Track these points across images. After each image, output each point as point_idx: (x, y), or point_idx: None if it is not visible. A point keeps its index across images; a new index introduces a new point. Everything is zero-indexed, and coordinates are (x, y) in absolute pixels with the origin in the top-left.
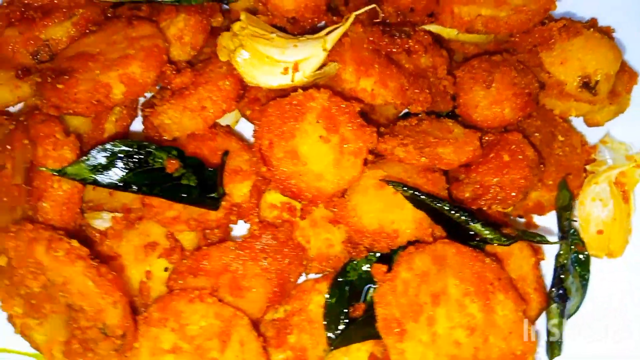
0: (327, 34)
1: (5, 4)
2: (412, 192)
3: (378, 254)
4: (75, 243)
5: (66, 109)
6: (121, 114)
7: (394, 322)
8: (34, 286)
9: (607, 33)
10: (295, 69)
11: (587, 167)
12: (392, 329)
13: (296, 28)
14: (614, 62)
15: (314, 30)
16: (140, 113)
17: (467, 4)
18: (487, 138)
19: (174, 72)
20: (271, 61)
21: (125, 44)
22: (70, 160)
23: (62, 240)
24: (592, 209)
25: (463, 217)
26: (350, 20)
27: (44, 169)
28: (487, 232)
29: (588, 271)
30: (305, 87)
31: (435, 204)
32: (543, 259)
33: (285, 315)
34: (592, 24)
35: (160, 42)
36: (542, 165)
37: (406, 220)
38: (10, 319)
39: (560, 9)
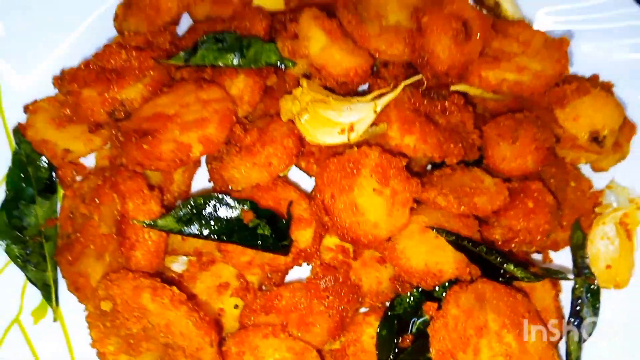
0: (376, 97)
1: (82, 67)
2: (454, 237)
3: (420, 289)
4: (175, 290)
5: (150, 166)
6: (189, 166)
7: (447, 353)
8: (135, 328)
9: (608, 88)
10: (351, 129)
11: (596, 209)
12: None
13: (343, 88)
14: (618, 118)
15: (357, 91)
16: (207, 166)
17: (493, 69)
18: (511, 185)
19: (243, 131)
20: (330, 123)
21: (199, 107)
22: (157, 213)
23: (165, 287)
24: (601, 246)
25: (499, 259)
26: (400, 88)
27: (136, 221)
28: (519, 271)
29: (599, 300)
30: (358, 144)
31: (474, 248)
32: (561, 292)
33: (342, 345)
34: (594, 79)
35: (230, 105)
36: (559, 210)
37: (448, 261)
38: (102, 355)
39: None
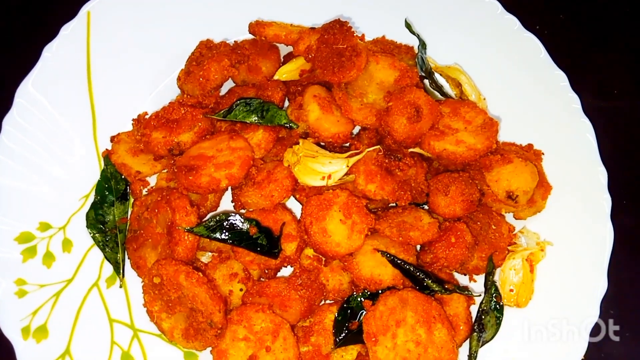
0: (350, 155)
1: (153, 116)
2: (392, 258)
3: (368, 292)
4: (201, 275)
5: (193, 191)
6: (219, 192)
7: (372, 335)
8: (173, 296)
9: (537, 155)
10: (329, 177)
11: (509, 247)
12: (370, 339)
13: (330, 145)
14: (531, 183)
15: (342, 147)
16: (231, 192)
17: (438, 141)
18: (443, 224)
19: (256, 171)
20: (315, 172)
21: (228, 152)
22: (194, 222)
23: (195, 272)
24: (509, 275)
25: (421, 276)
26: (364, 153)
27: (180, 227)
28: (435, 285)
29: (502, 315)
30: (333, 187)
31: (405, 266)
32: (473, 304)
33: (310, 324)
34: (528, 147)
35: (250, 153)
36: (476, 245)
37: (387, 273)
38: (149, 313)
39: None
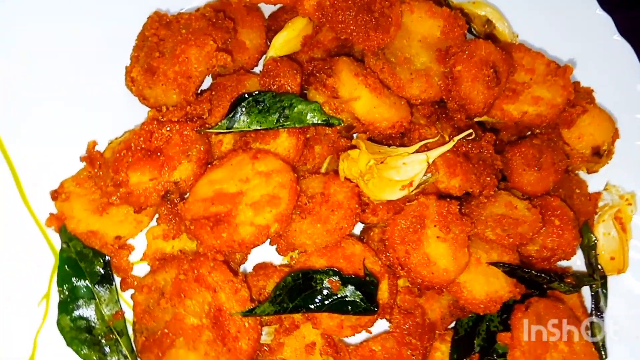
0: (423, 147)
1: (124, 152)
2: (509, 268)
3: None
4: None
5: (231, 252)
6: None
7: None
8: None
9: (589, 92)
10: (409, 184)
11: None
12: None
13: (381, 137)
14: (612, 130)
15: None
16: None
17: (514, 103)
18: (535, 203)
19: (306, 197)
20: (392, 183)
21: (260, 181)
22: (248, 297)
23: None
24: (604, 241)
25: (547, 279)
26: (452, 143)
27: (234, 313)
28: (562, 287)
29: (607, 288)
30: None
31: (525, 274)
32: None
33: None
34: (577, 86)
35: (293, 176)
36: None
37: (503, 286)
38: None
39: None
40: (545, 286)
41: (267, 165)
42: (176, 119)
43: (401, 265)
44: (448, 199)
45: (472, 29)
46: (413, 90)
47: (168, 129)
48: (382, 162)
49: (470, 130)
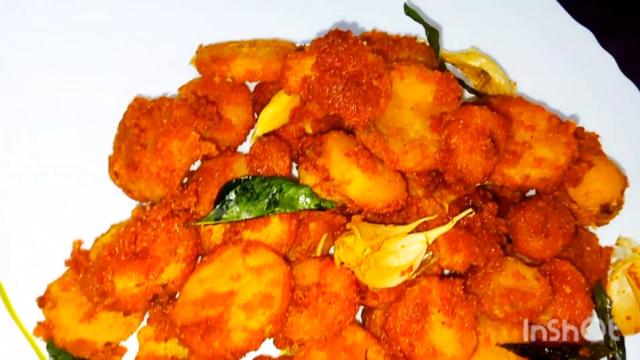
0: (421, 226)
1: (107, 255)
2: (521, 348)
3: None
4: None
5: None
6: None
7: None
8: None
9: (594, 140)
10: (409, 269)
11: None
12: None
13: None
14: (621, 184)
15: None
16: None
17: (515, 167)
18: (543, 270)
19: (301, 291)
20: (391, 270)
21: (252, 278)
22: None
23: None
24: (618, 300)
25: (560, 355)
26: (452, 224)
27: None
28: None
29: (624, 349)
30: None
31: (538, 353)
32: None
33: None
34: (580, 133)
35: (287, 269)
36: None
37: None
38: None
39: None
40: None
41: (259, 259)
42: (161, 217)
43: (406, 357)
44: (452, 278)
45: (467, 83)
46: (408, 163)
47: (154, 228)
48: (379, 248)
49: (470, 210)
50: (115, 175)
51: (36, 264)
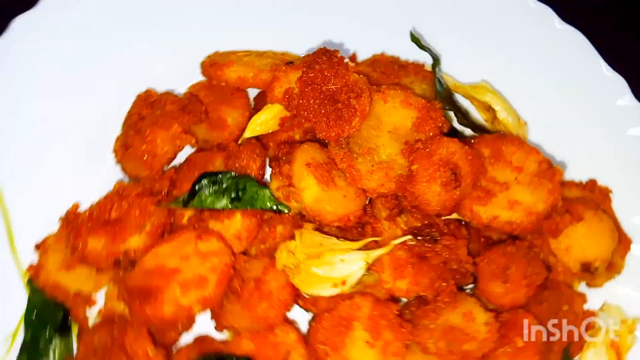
0: (366, 247)
1: (86, 217)
2: None
3: None
4: None
5: (155, 326)
6: None
7: None
8: None
9: (605, 195)
10: (343, 283)
11: (588, 332)
12: None
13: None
14: (611, 246)
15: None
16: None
17: (485, 205)
18: (502, 318)
19: (241, 282)
20: (322, 279)
21: (197, 261)
22: None
23: None
24: None
25: None
26: (390, 247)
27: None
28: None
29: None
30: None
31: None
32: None
33: None
34: (591, 185)
35: (228, 259)
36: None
37: None
38: None
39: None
40: None
41: (208, 246)
42: (135, 193)
43: None
44: (387, 302)
45: (471, 116)
46: (371, 184)
47: (128, 201)
48: (317, 257)
49: (410, 236)
50: (115, 153)
51: (43, 220)
